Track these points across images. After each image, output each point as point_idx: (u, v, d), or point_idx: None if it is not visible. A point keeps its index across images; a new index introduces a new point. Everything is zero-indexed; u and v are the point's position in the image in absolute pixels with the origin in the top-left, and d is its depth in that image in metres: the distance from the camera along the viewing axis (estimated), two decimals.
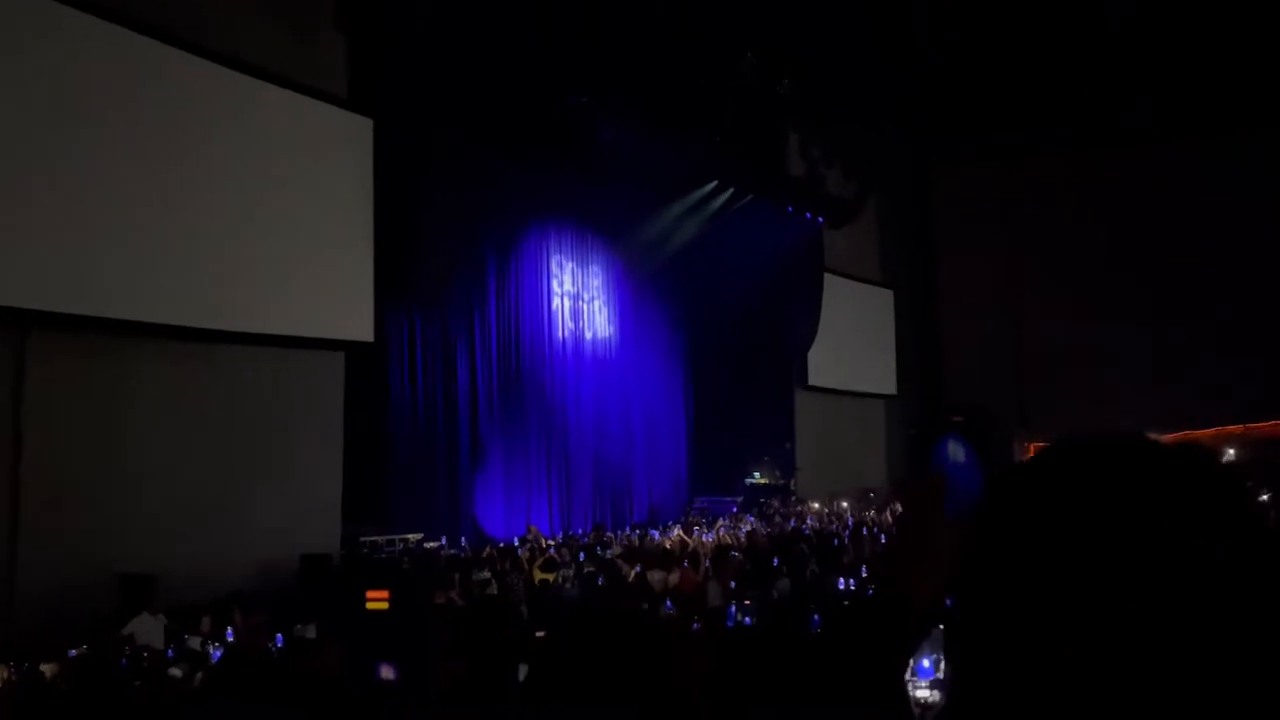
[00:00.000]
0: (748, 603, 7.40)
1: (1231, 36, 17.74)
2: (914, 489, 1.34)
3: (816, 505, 19.00)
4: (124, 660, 6.91)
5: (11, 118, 9.21)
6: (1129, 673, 0.73)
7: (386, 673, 4.27)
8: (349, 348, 12.64)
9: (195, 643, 7.87)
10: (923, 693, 2.85)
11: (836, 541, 13.53)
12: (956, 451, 1.35)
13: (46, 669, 6.32)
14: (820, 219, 21.00)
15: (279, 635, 7.79)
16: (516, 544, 13.94)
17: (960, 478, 1.31)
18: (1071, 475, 0.81)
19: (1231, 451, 21.07)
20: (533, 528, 14.99)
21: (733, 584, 9.69)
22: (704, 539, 14.26)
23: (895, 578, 1.28)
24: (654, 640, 1.73)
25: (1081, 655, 0.74)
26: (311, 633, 7.55)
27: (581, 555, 12.66)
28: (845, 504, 19.33)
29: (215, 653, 7.33)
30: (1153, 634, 0.73)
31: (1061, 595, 0.75)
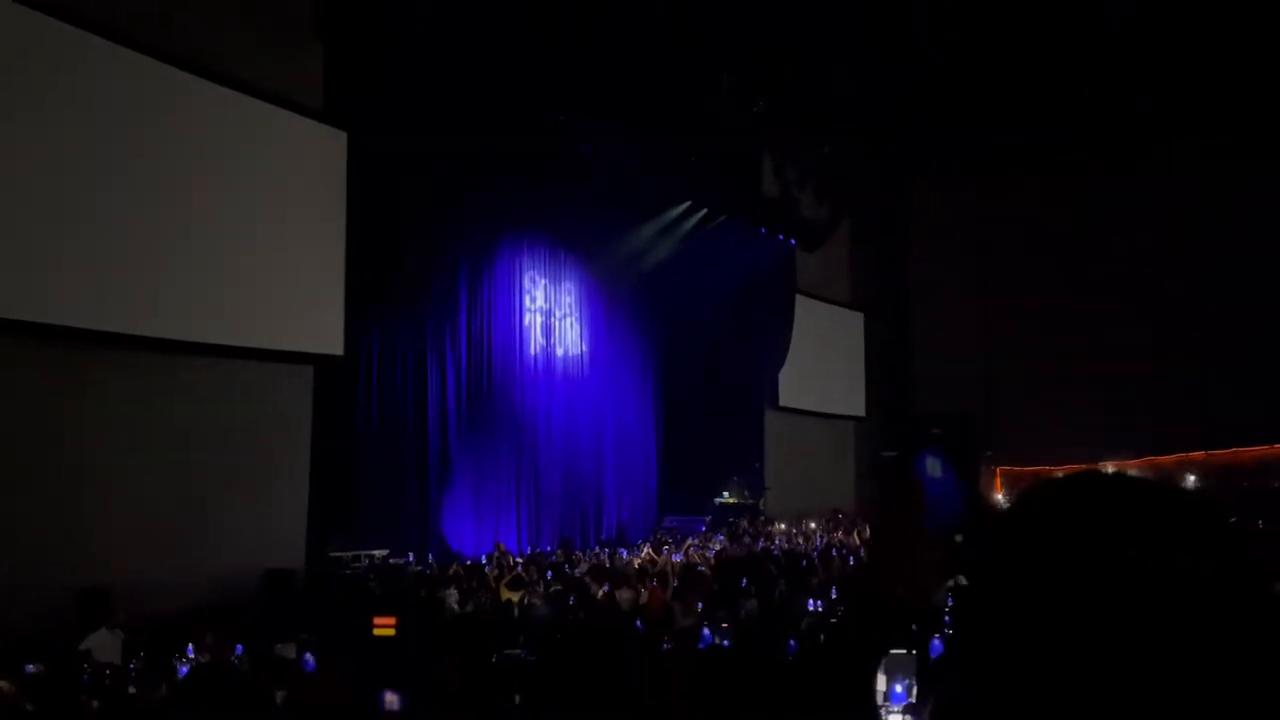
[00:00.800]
0: (725, 625, 7.37)
1: (1206, 62, 18.06)
2: (892, 493, 1.35)
3: (784, 525, 19.02)
4: (84, 677, 6.77)
5: None
6: (1123, 699, 0.74)
7: (391, 701, 4.12)
8: (318, 361, 12.53)
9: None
10: (895, 718, 2.85)
11: (805, 562, 13.53)
12: (934, 467, 1.35)
13: (1, 685, 6.16)
14: (793, 241, 21.13)
15: (238, 646, 7.68)
16: (484, 561, 13.84)
17: (938, 493, 1.31)
18: (1065, 512, 0.82)
19: (1192, 478, 21.38)
20: (500, 545, 14.90)
21: (700, 605, 9.65)
22: (673, 558, 14.23)
23: (871, 583, 1.28)
24: (630, 658, 1.72)
25: (1076, 683, 0.75)
26: (291, 652, 7.43)
27: (549, 574, 12.58)
28: (813, 524, 19.38)
29: (182, 669, 7.20)
30: (1144, 661, 0.73)
31: (1057, 627, 0.76)
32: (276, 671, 6.90)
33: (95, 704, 5.86)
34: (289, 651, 7.54)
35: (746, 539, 17.33)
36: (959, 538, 1.27)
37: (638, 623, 8.16)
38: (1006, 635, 0.79)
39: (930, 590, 1.19)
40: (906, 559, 1.25)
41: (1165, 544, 0.77)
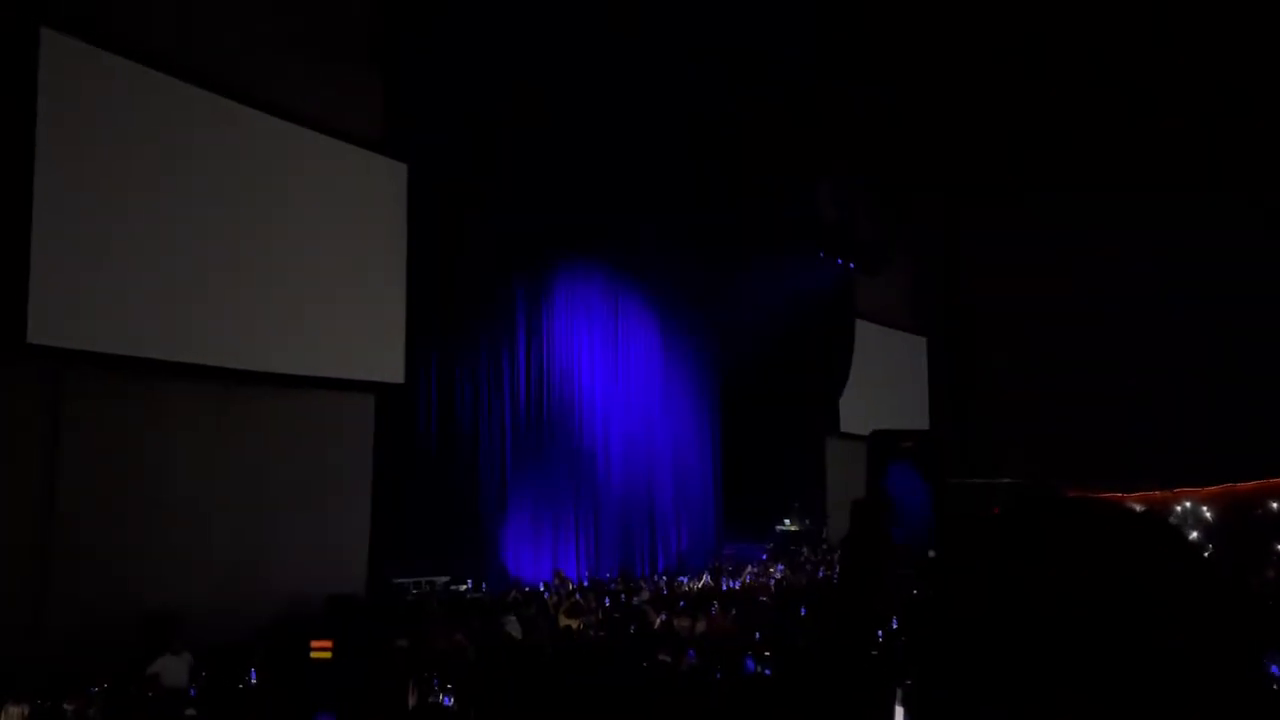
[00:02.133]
0: (767, 654, 7.28)
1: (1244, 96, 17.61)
2: (857, 508, 1.35)
3: None
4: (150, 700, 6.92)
5: (46, 158, 9.44)
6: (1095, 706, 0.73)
7: None
8: (379, 389, 12.72)
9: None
10: None
11: None
12: (908, 479, 1.35)
13: (69, 707, 6.33)
14: (851, 265, 20.99)
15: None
16: (542, 589, 13.86)
17: (910, 504, 1.31)
18: (1029, 533, 0.82)
19: (1275, 505, 20.59)
20: (559, 572, 14.90)
21: (757, 634, 9.55)
22: (732, 586, 14.14)
23: (846, 598, 1.28)
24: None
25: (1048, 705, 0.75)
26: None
27: (607, 601, 12.55)
28: None
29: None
30: (1111, 679, 0.73)
31: (1025, 642, 0.76)
32: None
33: None
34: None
35: (808, 567, 17.12)
36: (931, 553, 1.27)
37: (690, 651, 8.10)
38: (976, 653, 0.79)
39: (893, 600, 1.18)
40: (875, 572, 1.24)
41: (1138, 569, 0.77)
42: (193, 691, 7.47)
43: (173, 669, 8.36)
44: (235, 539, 10.89)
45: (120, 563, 9.88)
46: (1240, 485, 21.72)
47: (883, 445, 1.36)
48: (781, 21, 14.53)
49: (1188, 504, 21.96)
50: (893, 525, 1.29)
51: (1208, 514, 21.06)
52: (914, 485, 1.33)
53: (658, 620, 11.31)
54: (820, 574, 16.05)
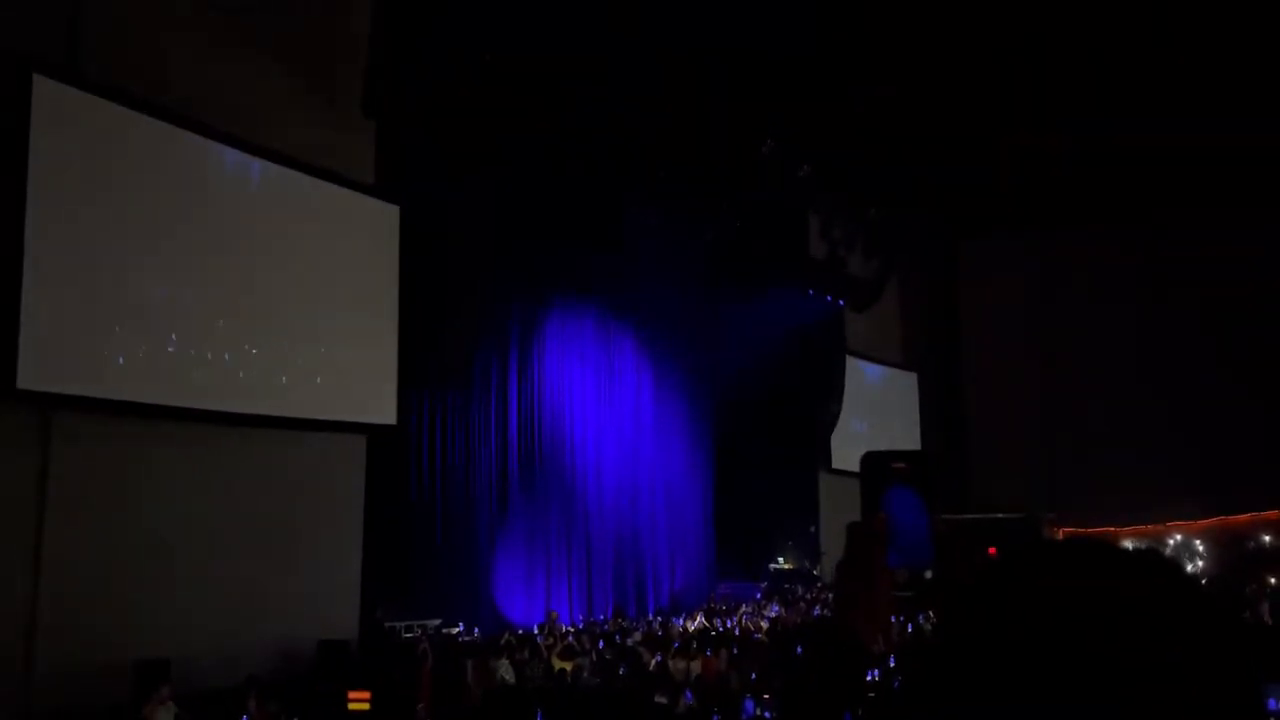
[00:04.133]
0: (766, 696, 7.22)
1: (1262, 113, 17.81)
2: (852, 531, 1.35)
3: None
4: None
5: (37, 203, 9.45)
6: None
7: None
8: (371, 431, 12.68)
9: None
10: None
11: None
12: (903, 501, 1.36)
13: None
14: (841, 301, 21.09)
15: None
16: (535, 631, 13.74)
17: (906, 526, 1.32)
18: (1035, 581, 0.83)
19: (1267, 538, 20.61)
20: (553, 614, 14.79)
21: (753, 675, 9.47)
22: (728, 625, 14.04)
23: (840, 623, 1.28)
24: None
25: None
26: None
27: (601, 643, 12.44)
28: None
29: None
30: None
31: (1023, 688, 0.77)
32: None
33: None
34: None
35: (802, 605, 17.02)
36: (929, 574, 1.27)
37: (688, 693, 8.02)
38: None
39: (887, 625, 1.19)
40: (867, 593, 1.24)
41: (1144, 619, 0.77)
42: None
43: (159, 717, 8.25)
44: (225, 583, 10.77)
45: (109, 608, 9.76)
46: (1232, 518, 21.75)
47: (875, 468, 1.37)
48: (772, 48, 14.72)
49: (1179, 537, 21.96)
50: (890, 547, 1.30)
51: (1200, 547, 21.05)
52: (911, 507, 1.34)
53: (653, 661, 11.21)
54: (815, 612, 15.95)
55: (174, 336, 10.56)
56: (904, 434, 23.83)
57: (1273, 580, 15.80)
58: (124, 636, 9.72)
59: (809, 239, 19.72)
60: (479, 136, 13.04)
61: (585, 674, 10.69)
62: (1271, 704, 5.60)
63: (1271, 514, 21.53)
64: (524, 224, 14.53)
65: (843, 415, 21.21)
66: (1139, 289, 22.72)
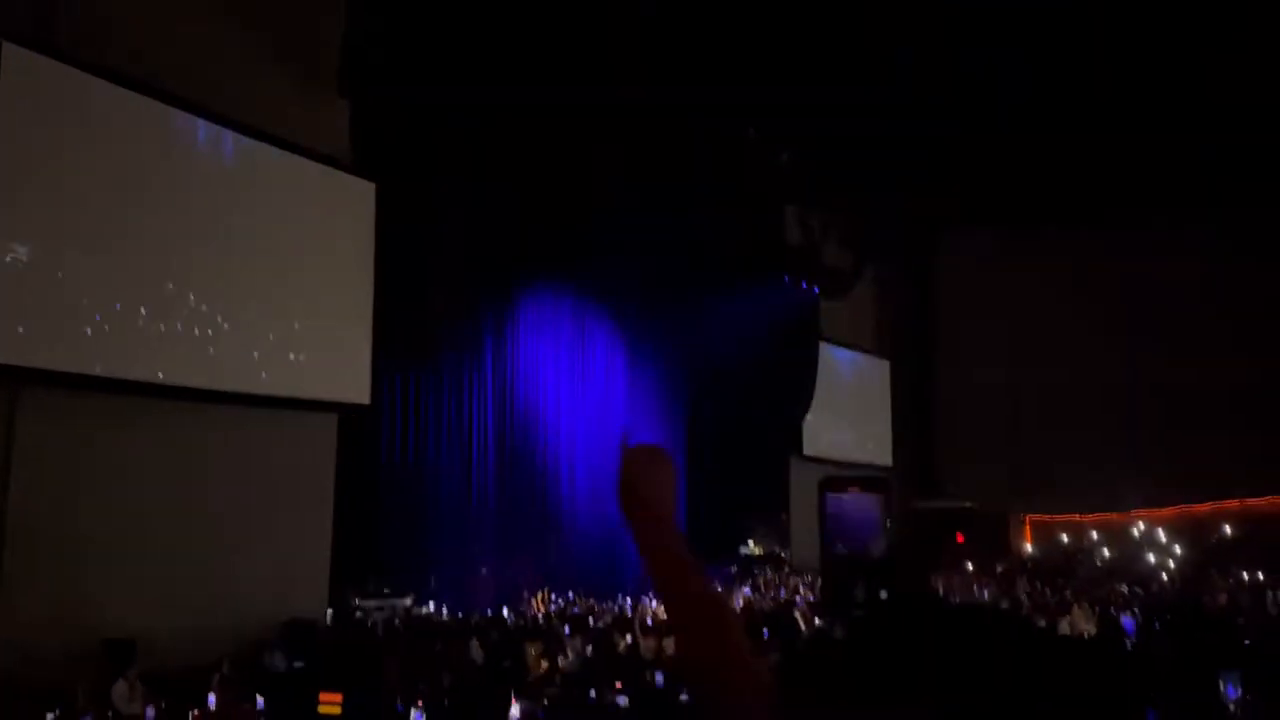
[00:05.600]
0: None
1: (1236, 111, 17.99)
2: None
3: (810, 577, 18.81)
4: None
5: (2, 172, 9.31)
6: None
7: None
8: (343, 409, 12.61)
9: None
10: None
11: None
12: (855, 501, 1.56)
13: None
14: (816, 289, 21.16)
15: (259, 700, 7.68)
16: (505, 612, 13.77)
17: (855, 521, 1.49)
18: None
19: (1227, 528, 20.97)
20: (525, 595, 14.81)
21: None
22: None
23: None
24: None
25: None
26: None
27: (567, 628, 12.46)
28: None
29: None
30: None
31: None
32: None
33: None
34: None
35: (770, 590, 17.15)
36: (884, 594, 1.42)
37: (659, 674, 8.07)
38: None
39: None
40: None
41: None
42: (150, 715, 7.34)
43: (125, 695, 8.21)
44: (194, 561, 10.70)
45: (75, 586, 9.67)
46: (1194, 508, 22.11)
47: (830, 482, 1.59)
48: (751, 49, 14.69)
49: (1142, 525, 22.32)
50: (839, 538, 1.49)
51: (1163, 536, 21.40)
52: (861, 507, 1.50)
53: (623, 643, 11.26)
54: (782, 595, 16.08)
55: (144, 310, 10.44)
56: (876, 421, 24.01)
57: (1240, 572, 16.10)
58: (90, 615, 9.64)
59: (786, 227, 19.78)
60: (456, 115, 12.93)
61: (557, 657, 10.69)
62: (1230, 692, 5.75)
63: (1232, 504, 21.92)
64: (501, 205, 14.44)
65: (815, 402, 21.31)
66: (1108, 283, 22.96)
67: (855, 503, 1.47)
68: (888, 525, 1.43)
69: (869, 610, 1.39)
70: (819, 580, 18.01)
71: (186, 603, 10.43)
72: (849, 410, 22.65)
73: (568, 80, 13.62)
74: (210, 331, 11.03)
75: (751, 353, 19.64)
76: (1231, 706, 5.70)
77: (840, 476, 1.51)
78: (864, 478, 1.51)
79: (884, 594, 1.40)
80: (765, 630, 11.85)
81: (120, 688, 8.13)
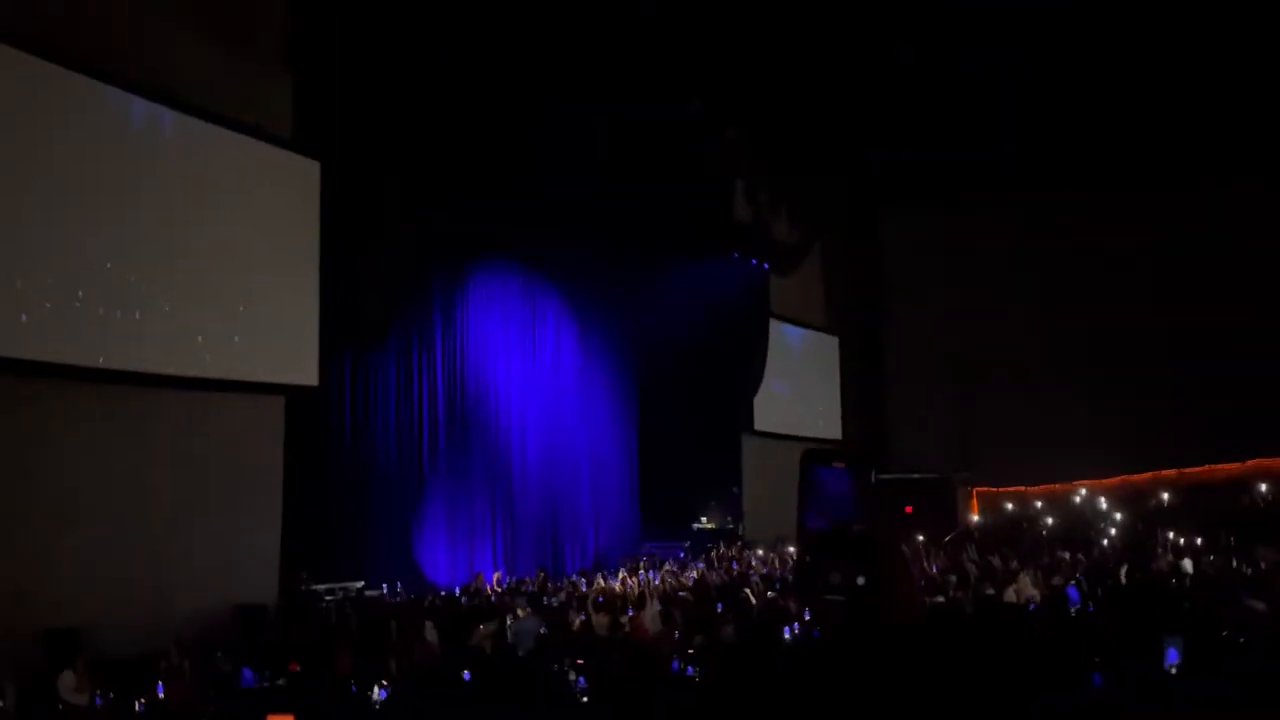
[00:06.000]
0: (691, 652, 7.33)
1: (1184, 86, 18.31)
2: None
3: (762, 551, 18.99)
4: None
5: None
6: None
7: None
8: (290, 391, 12.42)
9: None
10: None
11: (779, 585, 13.49)
12: (832, 475, 1.60)
13: None
14: (766, 265, 21.24)
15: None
16: (458, 593, 13.73)
17: (832, 494, 1.53)
18: None
19: (1165, 495, 21.51)
20: (479, 576, 14.76)
21: (676, 634, 9.61)
22: (652, 578, 14.20)
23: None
24: None
25: None
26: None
27: (525, 604, 12.44)
28: (791, 549, 19.33)
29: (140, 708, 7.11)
30: None
31: None
32: None
33: None
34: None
35: (724, 564, 17.27)
36: (860, 580, 1.44)
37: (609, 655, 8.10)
38: None
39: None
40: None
41: None
42: (99, 701, 7.24)
43: (71, 685, 8.07)
44: (139, 548, 10.52)
45: (16, 575, 9.46)
46: (1134, 477, 22.65)
47: (813, 456, 1.61)
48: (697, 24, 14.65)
49: (1084, 493, 22.82)
50: (816, 510, 1.51)
51: (1104, 504, 21.89)
52: (838, 480, 1.53)
53: (578, 621, 11.29)
54: (736, 570, 16.20)
55: (81, 293, 10.18)
56: (825, 396, 24.24)
57: (1171, 535, 16.51)
58: (30, 604, 9.44)
59: (735, 202, 19.80)
60: (402, 89, 12.73)
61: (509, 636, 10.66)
62: (1172, 656, 5.91)
63: (1170, 473, 22.49)
64: (448, 180, 14.27)
65: (765, 377, 21.44)
66: (1050, 257, 23.31)
67: (835, 477, 1.49)
68: (866, 500, 1.45)
69: (847, 596, 1.40)
70: (792, 555, 18.17)
71: (133, 590, 10.27)
72: (799, 385, 22.83)
73: (514, 57, 13.49)
74: (152, 314, 10.79)
75: (702, 329, 19.69)
76: (1173, 670, 5.87)
77: (824, 450, 1.52)
78: (848, 452, 1.51)
79: (861, 580, 1.41)
80: (719, 604, 11.96)
81: (67, 678, 7.99)
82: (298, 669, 8.27)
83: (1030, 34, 16.84)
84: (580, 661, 6.91)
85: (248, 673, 8.26)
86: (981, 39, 17.05)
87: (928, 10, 16.17)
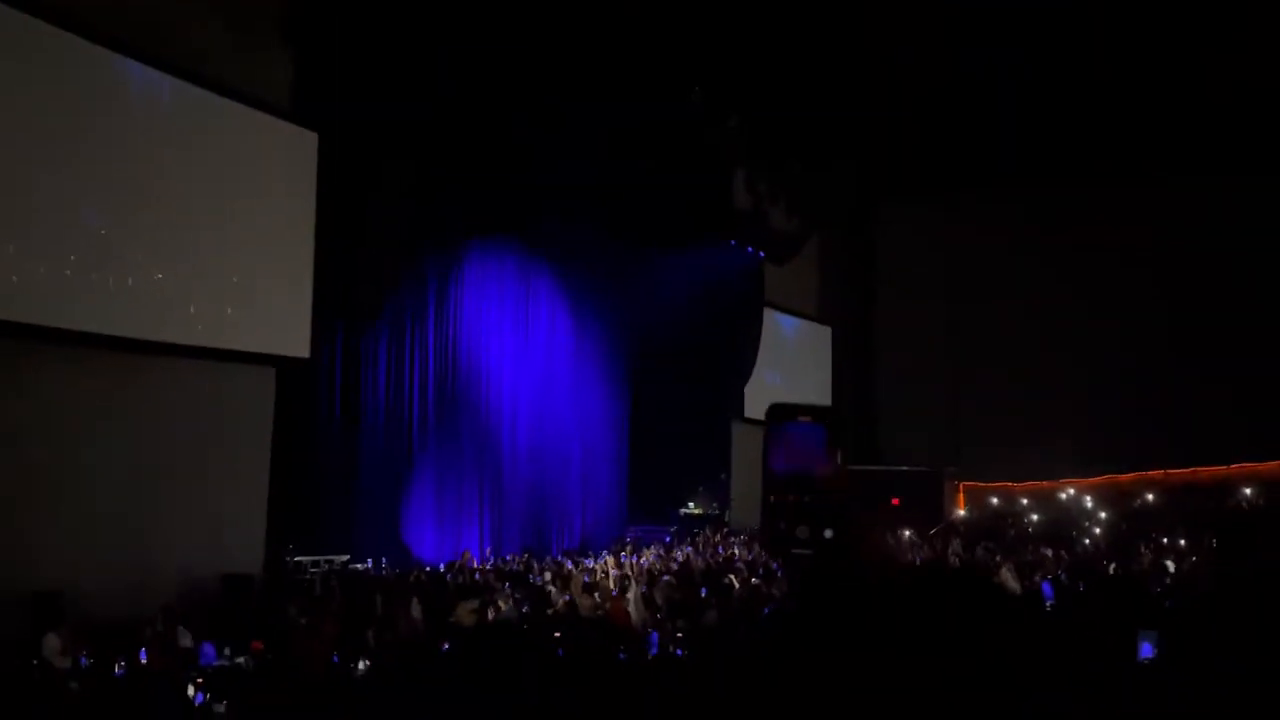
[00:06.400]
0: (679, 635, 7.39)
1: (1179, 81, 18.32)
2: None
3: (747, 537, 19.06)
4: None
5: None
6: None
7: None
8: (281, 363, 12.41)
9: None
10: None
11: (762, 571, 13.56)
12: (799, 430, 1.55)
13: None
14: (762, 253, 21.25)
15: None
16: (443, 569, 13.77)
17: (798, 445, 1.50)
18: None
19: (1150, 496, 21.64)
20: (466, 553, 14.81)
21: (658, 615, 9.66)
22: (635, 561, 14.27)
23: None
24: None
25: None
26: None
27: (508, 584, 12.51)
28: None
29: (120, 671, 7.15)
30: None
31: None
32: None
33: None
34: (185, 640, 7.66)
35: (709, 550, 17.34)
36: (829, 533, 1.43)
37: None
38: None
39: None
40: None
41: None
42: (85, 663, 7.28)
43: (55, 648, 8.11)
44: (127, 516, 10.54)
45: (3, 538, 9.47)
46: (1119, 476, 22.77)
47: (779, 412, 1.59)
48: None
49: (1070, 491, 22.94)
50: (782, 455, 1.50)
51: (1089, 503, 22.01)
52: (805, 435, 1.53)
53: (562, 600, 11.35)
54: (722, 555, 16.27)
55: (73, 258, 10.15)
56: (816, 386, 24.28)
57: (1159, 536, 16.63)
58: (17, 567, 9.45)
59: (734, 190, 19.78)
60: (403, 64, 12.68)
61: (491, 613, 10.72)
62: (1145, 650, 5.97)
63: (1155, 473, 22.61)
64: (447, 158, 14.23)
65: (757, 365, 21.49)
66: (1043, 254, 23.35)
67: (803, 431, 1.50)
68: (838, 457, 1.45)
69: (814, 550, 1.40)
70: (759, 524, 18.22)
71: (119, 556, 10.28)
72: (791, 375, 22.88)
73: (515, 39, 13.45)
74: (144, 281, 10.77)
75: (696, 314, 19.71)
76: (1146, 664, 5.92)
77: (789, 405, 1.52)
78: (814, 407, 1.52)
79: (829, 533, 1.41)
80: (704, 589, 12.03)
81: (52, 640, 8.02)
82: (261, 648, 8.27)
83: (1030, 33, 16.83)
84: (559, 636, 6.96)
85: (208, 648, 8.26)
86: (979, 36, 17.03)
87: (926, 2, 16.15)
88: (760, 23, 15.44)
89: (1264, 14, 16.78)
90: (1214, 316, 21.26)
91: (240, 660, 8.32)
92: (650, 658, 6.91)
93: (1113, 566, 13.13)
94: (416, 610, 10.65)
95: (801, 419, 1.50)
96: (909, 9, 16.24)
